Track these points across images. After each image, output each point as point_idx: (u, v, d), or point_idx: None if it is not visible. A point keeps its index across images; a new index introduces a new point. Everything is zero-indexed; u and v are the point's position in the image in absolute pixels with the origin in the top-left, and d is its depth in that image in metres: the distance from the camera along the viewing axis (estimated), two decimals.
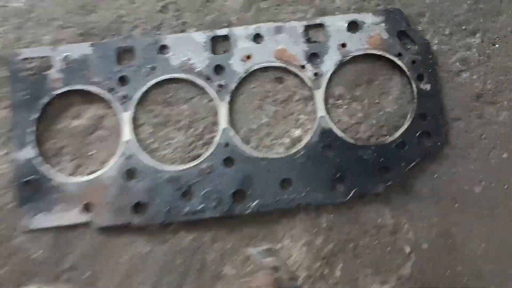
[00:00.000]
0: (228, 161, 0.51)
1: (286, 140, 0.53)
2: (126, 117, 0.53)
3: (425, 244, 0.50)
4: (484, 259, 0.49)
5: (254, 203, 0.51)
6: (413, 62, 0.52)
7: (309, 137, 0.52)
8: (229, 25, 0.54)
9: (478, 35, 0.53)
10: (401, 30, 0.53)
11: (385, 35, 0.53)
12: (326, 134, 0.52)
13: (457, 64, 0.54)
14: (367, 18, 0.53)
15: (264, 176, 0.51)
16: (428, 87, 0.52)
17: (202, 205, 0.51)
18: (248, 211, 0.50)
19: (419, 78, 0.52)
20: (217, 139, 0.52)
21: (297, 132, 0.53)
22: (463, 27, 0.54)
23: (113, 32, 0.54)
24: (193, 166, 0.51)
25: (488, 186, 0.51)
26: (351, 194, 0.50)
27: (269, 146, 0.53)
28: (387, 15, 0.52)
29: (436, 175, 0.52)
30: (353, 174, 0.51)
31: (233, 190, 0.51)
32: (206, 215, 0.50)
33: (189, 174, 0.51)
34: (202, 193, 0.51)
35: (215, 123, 0.53)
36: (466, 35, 0.54)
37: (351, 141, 0.51)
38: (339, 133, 0.52)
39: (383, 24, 0.53)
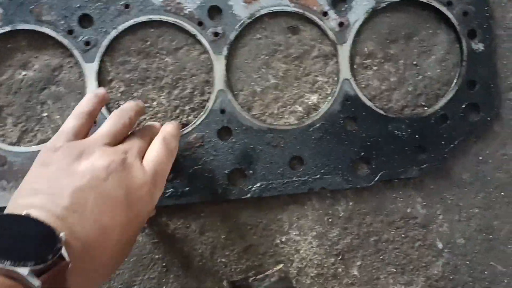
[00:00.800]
0: (223, 132, 0.47)
1: (299, 108, 0.50)
2: (90, 70, 0.47)
3: (461, 240, 0.49)
4: None
5: (255, 186, 0.47)
6: (465, 13, 0.49)
7: (328, 105, 0.48)
8: None
9: None
10: None
11: None
12: (350, 102, 0.48)
13: None
14: None
15: (269, 152, 0.47)
16: (481, 47, 0.49)
17: (189, 187, 0.46)
18: (248, 195, 0.47)
19: (471, 35, 0.49)
20: (210, 104, 0.47)
21: (314, 98, 0.49)
22: None
23: None
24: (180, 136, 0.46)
25: None
26: (376, 178, 0.47)
27: (277, 114, 0.50)
28: None
29: (481, 158, 0.49)
30: (381, 154, 0.48)
31: (230, 169, 0.47)
32: (194, 199, 0.47)
33: None
34: (190, 171, 0.47)
35: (208, 83, 0.49)
36: None
37: (381, 112, 0.48)
38: (367, 101, 0.48)
39: None
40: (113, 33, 0.46)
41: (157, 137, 0.38)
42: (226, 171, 0.46)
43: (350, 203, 0.48)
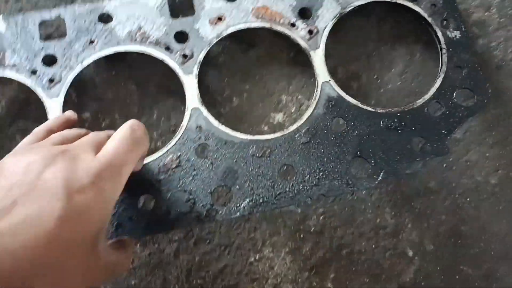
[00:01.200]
0: (202, 150, 0.46)
1: (265, 128, 0.51)
2: (54, 105, 0.49)
3: (431, 246, 0.51)
4: (498, 261, 0.50)
5: (244, 203, 0.44)
6: (433, 5, 0.51)
7: (311, 109, 0.48)
8: None
9: None
10: None
11: None
12: (333, 103, 0.48)
13: (473, 28, 0.49)
14: None
15: (255, 164, 0.45)
16: (457, 34, 0.50)
17: (170, 213, 0.44)
18: (237, 214, 0.44)
19: (444, 24, 0.50)
20: (185, 123, 0.47)
21: (278, 117, 0.52)
22: None
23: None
24: (153, 160, 0.45)
25: (506, 176, 0.51)
26: (380, 177, 0.45)
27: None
28: None
29: (445, 165, 0.52)
30: (378, 151, 0.46)
31: (213, 187, 0.45)
32: (177, 225, 0.45)
33: (148, 172, 0.44)
34: (168, 195, 0.44)
35: (174, 108, 0.50)
36: None
37: (369, 108, 0.48)
38: (352, 100, 0.48)
39: None
40: (78, 68, 0.47)
41: (121, 127, 0.34)
42: (209, 191, 0.44)
43: (321, 218, 0.50)
